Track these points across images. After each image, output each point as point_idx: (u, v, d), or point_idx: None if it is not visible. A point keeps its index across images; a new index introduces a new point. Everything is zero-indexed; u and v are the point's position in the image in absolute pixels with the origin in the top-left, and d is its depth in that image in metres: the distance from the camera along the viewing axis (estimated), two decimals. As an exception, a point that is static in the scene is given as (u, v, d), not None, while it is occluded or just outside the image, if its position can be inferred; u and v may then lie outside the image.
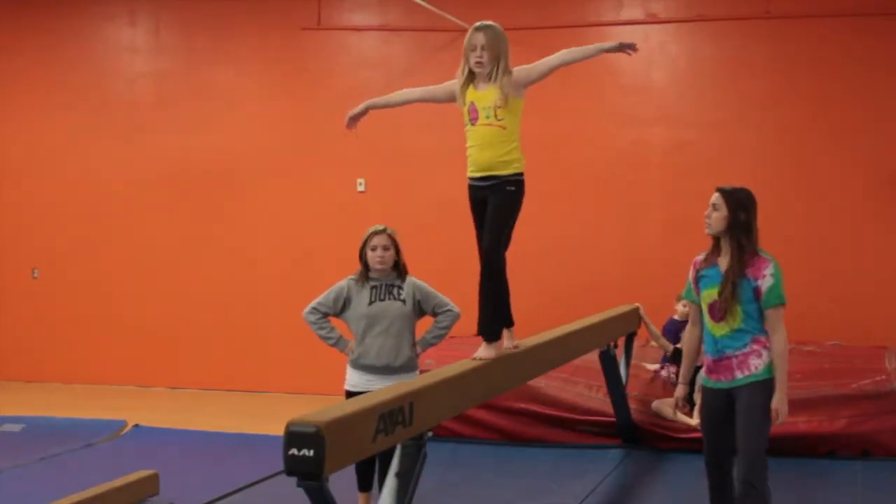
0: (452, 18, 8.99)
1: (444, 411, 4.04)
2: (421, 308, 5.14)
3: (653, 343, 7.72)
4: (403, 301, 5.07)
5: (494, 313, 4.37)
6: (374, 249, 5.05)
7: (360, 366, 5.09)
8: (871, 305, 8.64)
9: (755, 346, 4.41)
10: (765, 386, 4.38)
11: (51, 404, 9.14)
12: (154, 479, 5.65)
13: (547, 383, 7.24)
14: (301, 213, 9.84)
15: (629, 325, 7.16)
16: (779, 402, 4.38)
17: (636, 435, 7.14)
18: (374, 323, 5.03)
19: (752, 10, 8.86)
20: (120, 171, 10.28)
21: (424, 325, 5.23)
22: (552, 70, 4.21)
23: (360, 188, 9.62)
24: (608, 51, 4.24)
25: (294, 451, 3.01)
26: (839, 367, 7.50)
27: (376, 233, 5.07)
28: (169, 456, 7.01)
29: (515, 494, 6.22)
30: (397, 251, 5.09)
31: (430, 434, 3.80)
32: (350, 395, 5.05)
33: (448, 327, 5.23)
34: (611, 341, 6.75)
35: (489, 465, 6.85)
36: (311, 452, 2.99)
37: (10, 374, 10.51)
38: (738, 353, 4.44)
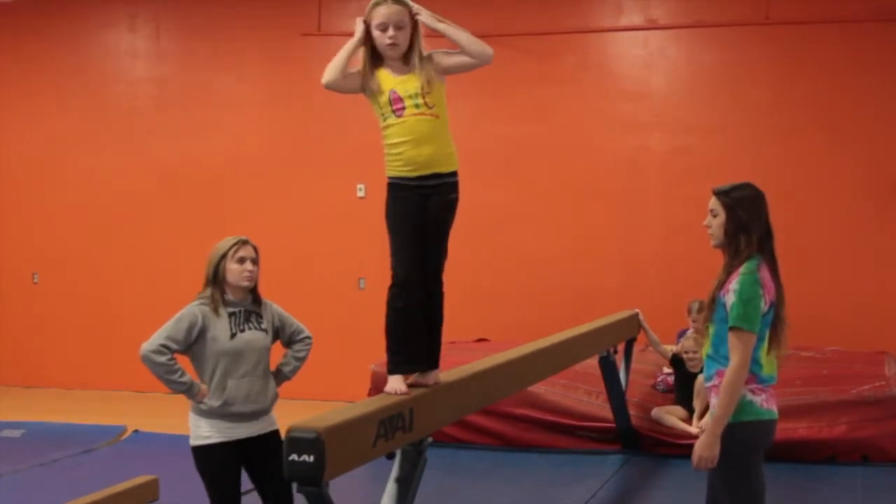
0: (452, 24, 8.99)
1: (444, 417, 4.03)
2: (276, 336, 4.34)
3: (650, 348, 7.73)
4: (265, 331, 4.24)
5: (435, 341, 3.73)
6: (241, 262, 4.19)
7: (222, 414, 4.13)
8: (871, 311, 8.64)
9: (716, 381, 3.58)
10: (728, 432, 3.51)
11: (50, 409, 9.14)
12: (154, 484, 5.63)
13: (547, 389, 7.24)
14: (301, 219, 9.84)
15: (629, 330, 7.16)
16: (700, 444, 3.53)
17: (636, 441, 7.14)
18: (239, 361, 4.13)
19: (752, 16, 8.88)
20: (120, 177, 10.29)
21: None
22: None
23: (360, 193, 9.63)
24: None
25: (294, 456, 3.01)
26: (839, 372, 7.50)
27: (243, 242, 4.25)
28: (169, 461, 6.98)
29: (515, 500, 6.23)
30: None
31: (430, 439, 3.80)
32: (206, 449, 4.18)
33: (305, 358, 4.41)
34: (610, 347, 6.75)
35: (489, 470, 6.84)
36: (312, 458, 2.99)
37: (9, 379, 10.52)
38: (707, 385, 3.68)
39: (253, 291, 4.27)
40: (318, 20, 9.75)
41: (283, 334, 4.37)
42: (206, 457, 4.20)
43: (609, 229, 9.22)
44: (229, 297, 4.22)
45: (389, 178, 3.68)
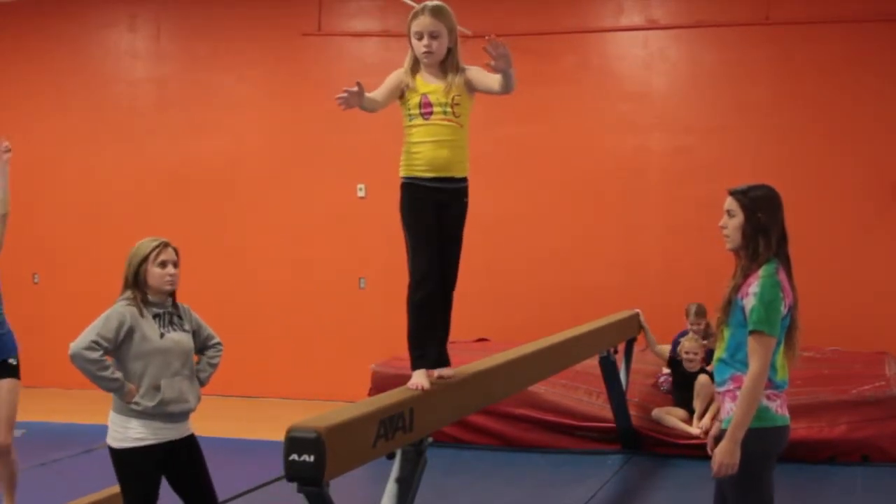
0: (452, 24, 8.99)
1: (444, 417, 4.03)
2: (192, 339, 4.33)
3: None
4: (188, 332, 4.27)
5: (446, 337, 3.87)
6: (163, 266, 4.18)
7: (155, 414, 4.10)
8: (871, 311, 8.64)
9: (731, 386, 3.51)
10: (743, 438, 3.42)
11: (50, 410, 9.13)
12: (154, 484, 5.63)
13: (547, 389, 7.24)
14: (301, 219, 9.84)
15: (629, 331, 7.17)
16: (721, 451, 3.41)
17: (636, 441, 7.14)
18: (170, 360, 4.14)
19: (752, 16, 8.87)
20: (121, 177, 10.29)
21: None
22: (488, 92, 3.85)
23: (361, 193, 9.63)
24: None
25: (294, 456, 3.00)
26: (839, 372, 7.50)
27: (164, 245, 4.22)
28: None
29: (515, 500, 6.23)
30: None
31: (430, 439, 3.79)
32: (138, 452, 4.09)
33: (218, 364, 4.41)
34: (611, 347, 6.75)
35: (489, 470, 6.84)
36: (312, 458, 2.99)
37: (9, 379, 10.49)
38: (719, 389, 3.59)
39: (171, 295, 4.29)
40: (318, 20, 9.75)
41: (198, 339, 4.36)
42: (135, 460, 4.12)
43: (609, 229, 9.22)
44: (151, 298, 4.23)
45: (403, 178, 3.80)
